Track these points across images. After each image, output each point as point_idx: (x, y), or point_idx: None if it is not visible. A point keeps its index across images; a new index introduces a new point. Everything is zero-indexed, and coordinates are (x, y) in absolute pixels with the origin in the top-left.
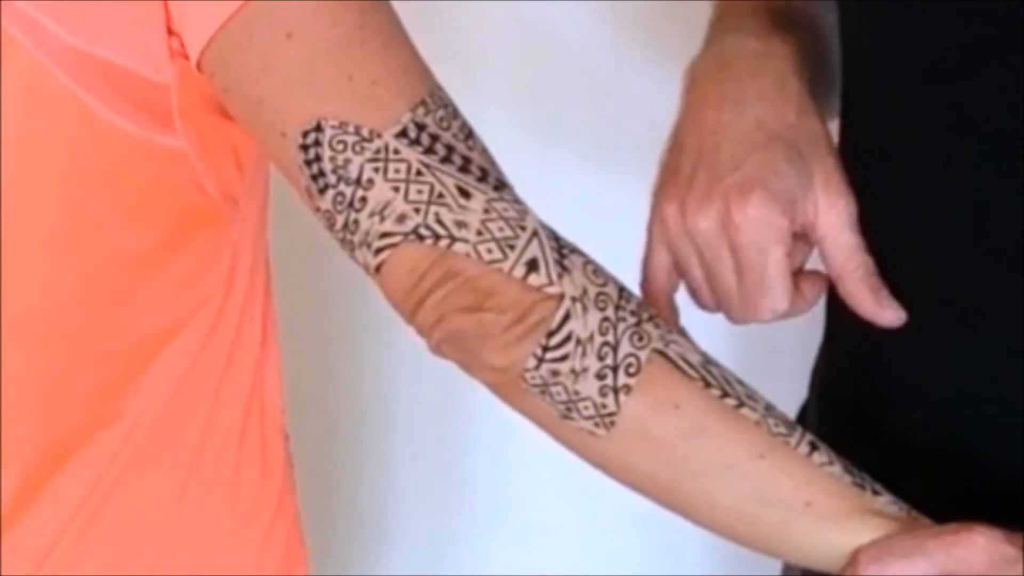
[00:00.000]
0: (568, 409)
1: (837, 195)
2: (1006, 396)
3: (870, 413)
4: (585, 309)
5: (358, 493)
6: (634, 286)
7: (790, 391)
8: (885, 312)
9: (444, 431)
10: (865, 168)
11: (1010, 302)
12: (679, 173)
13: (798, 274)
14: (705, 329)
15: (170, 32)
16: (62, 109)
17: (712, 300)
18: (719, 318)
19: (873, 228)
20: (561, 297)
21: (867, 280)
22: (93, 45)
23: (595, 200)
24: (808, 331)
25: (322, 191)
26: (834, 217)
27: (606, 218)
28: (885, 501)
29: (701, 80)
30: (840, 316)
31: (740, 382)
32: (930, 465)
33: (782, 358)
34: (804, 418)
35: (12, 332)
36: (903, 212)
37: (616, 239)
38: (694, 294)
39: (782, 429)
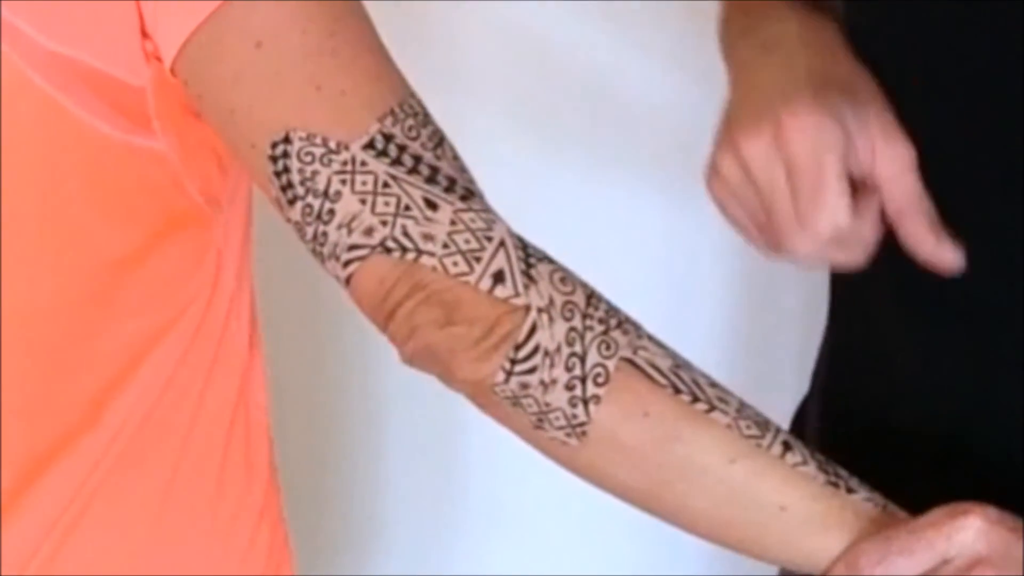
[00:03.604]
0: (540, 420)
1: (896, 139)
2: (1010, 395)
3: (873, 410)
4: (552, 320)
5: (350, 495)
6: (624, 290)
7: (789, 390)
8: (945, 254)
9: (437, 432)
10: None
11: (1017, 302)
12: (725, 124)
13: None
14: (706, 330)
15: (145, 35)
16: (40, 112)
17: (772, 237)
18: (718, 321)
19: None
20: (527, 308)
21: (928, 222)
22: (69, 48)
23: (586, 204)
24: (806, 332)
25: (291, 202)
26: (895, 159)
27: (598, 222)
28: (860, 498)
29: (749, 63)
30: (846, 313)
31: (712, 384)
32: (932, 461)
33: (781, 358)
34: (804, 415)
35: None
36: None
37: (607, 242)
38: (751, 232)
39: (754, 431)
